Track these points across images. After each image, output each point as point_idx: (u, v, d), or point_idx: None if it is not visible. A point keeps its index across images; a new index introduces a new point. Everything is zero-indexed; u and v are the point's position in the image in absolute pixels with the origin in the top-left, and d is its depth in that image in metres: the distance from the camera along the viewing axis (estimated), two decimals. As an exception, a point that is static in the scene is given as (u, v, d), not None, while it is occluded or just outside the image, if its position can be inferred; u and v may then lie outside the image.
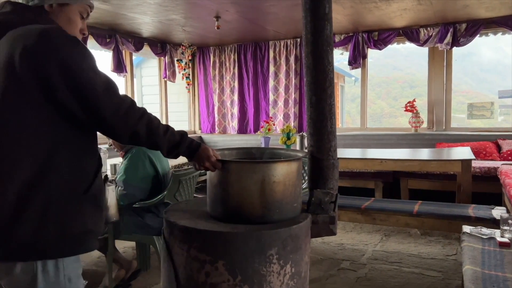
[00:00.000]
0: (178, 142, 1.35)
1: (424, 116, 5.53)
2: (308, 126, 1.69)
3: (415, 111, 5.46)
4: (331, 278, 3.07)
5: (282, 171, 1.47)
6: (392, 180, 4.83)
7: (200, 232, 1.39)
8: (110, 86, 1.22)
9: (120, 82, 5.85)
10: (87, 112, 1.19)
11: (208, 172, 1.53)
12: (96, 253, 3.54)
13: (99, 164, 1.33)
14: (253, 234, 1.37)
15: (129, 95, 5.81)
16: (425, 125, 5.53)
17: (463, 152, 4.04)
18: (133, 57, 6.02)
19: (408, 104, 5.48)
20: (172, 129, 1.36)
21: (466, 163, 3.57)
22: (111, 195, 1.52)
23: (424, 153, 4.34)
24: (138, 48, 5.70)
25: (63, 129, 1.20)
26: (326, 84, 1.63)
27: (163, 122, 5.76)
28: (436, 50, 5.33)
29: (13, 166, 1.16)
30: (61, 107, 1.18)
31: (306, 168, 3.30)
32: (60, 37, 1.19)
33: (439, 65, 5.40)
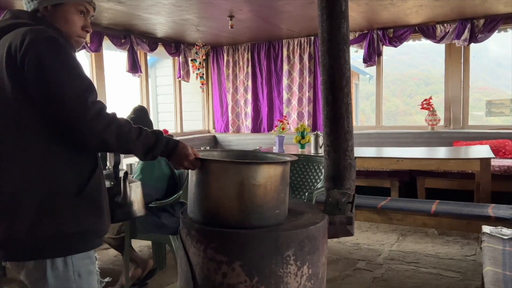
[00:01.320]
0: (154, 144, 1.30)
1: (440, 113, 5.44)
2: (325, 126, 1.67)
3: (431, 109, 5.38)
4: (347, 278, 3.05)
5: (264, 174, 1.39)
6: (408, 179, 4.77)
7: (217, 232, 1.38)
8: (80, 90, 1.18)
9: (135, 83, 5.90)
10: (54, 115, 1.19)
11: (189, 172, 1.49)
12: (113, 252, 3.58)
13: (95, 164, 1.32)
14: (270, 235, 1.36)
15: (144, 95, 5.85)
16: (441, 123, 5.45)
17: (482, 151, 3.96)
18: (148, 57, 6.06)
19: (425, 102, 5.40)
20: (146, 130, 1.30)
21: (485, 161, 3.50)
22: (136, 191, 1.54)
23: (441, 152, 4.27)
24: (152, 48, 5.73)
25: (53, 129, 1.21)
26: (343, 83, 1.61)
27: (178, 121, 5.69)
28: (453, 47, 5.24)
29: (2, 166, 1.20)
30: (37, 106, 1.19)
31: (321, 167, 3.29)
32: (39, 37, 1.19)
33: (456, 62, 5.30)
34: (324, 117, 1.67)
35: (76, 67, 1.22)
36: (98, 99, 1.23)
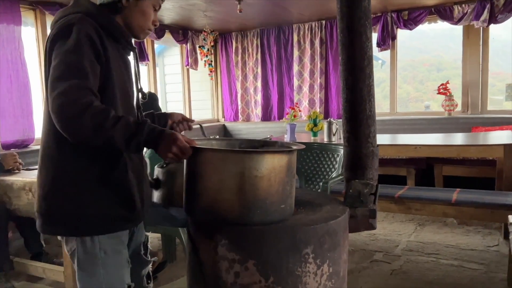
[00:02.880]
0: (135, 132, 1.21)
1: (457, 99, 5.24)
2: (344, 111, 1.53)
3: (448, 94, 5.18)
4: (364, 270, 2.93)
5: (267, 165, 1.22)
6: (425, 167, 4.60)
7: (229, 228, 1.26)
8: (62, 78, 1.19)
9: (142, 71, 5.77)
10: None
11: (184, 163, 1.36)
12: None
13: (120, 154, 1.34)
14: (287, 230, 1.24)
15: (152, 84, 5.73)
16: (459, 108, 5.25)
17: (503, 136, 3.78)
18: (155, 46, 5.93)
19: (441, 87, 5.19)
20: (127, 120, 1.21)
21: (509, 147, 3.32)
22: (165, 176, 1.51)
23: (460, 138, 4.10)
24: (159, 35, 5.59)
25: None
26: (364, 63, 1.46)
27: (186, 110, 5.54)
28: (471, 29, 5.01)
29: (41, 147, 1.37)
30: None
31: (336, 156, 3.15)
32: (62, 24, 1.27)
33: (475, 44, 5.08)
34: (343, 100, 1.52)
35: (75, 54, 1.21)
36: (82, 87, 1.19)
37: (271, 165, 1.23)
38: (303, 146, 1.36)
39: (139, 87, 1.48)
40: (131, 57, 1.48)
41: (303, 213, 1.39)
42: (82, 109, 1.16)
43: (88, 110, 1.16)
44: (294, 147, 1.37)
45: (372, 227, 1.55)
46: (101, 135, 1.18)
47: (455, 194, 3.19)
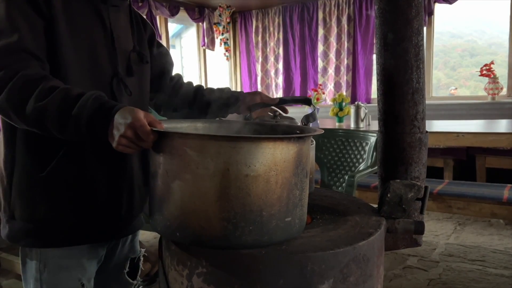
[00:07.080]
0: (72, 106, 0.86)
1: (502, 82, 4.66)
2: (380, 82, 1.10)
3: (492, 76, 4.60)
4: (396, 279, 2.50)
5: (265, 158, 0.81)
6: (465, 158, 4.08)
7: (208, 252, 0.86)
8: None
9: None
10: None
11: (149, 156, 0.93)
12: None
13: (62, 142, 0.98)
14: (293, 257, 0.83)
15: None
16: (504, 92, 4.67)
17: None
18: (174, 26, 5.56)
19: (484, 67, 4.62)
20: (66, 89, 0.89)
21: None
22: None
23: (507, 125, 3.56)
24: (173, 13, 5.21)
25: None
26: (412, 13, 1.02)
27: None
28: (521, 1, 4.40)
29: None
30: None
31: (364, 144, 2.71)
32: None
33: (525, 19, 4.47)
34: (379, 68, 1.09)
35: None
36: (10, 50, 0.91)
37: (271, 158, 0.81)
38: (321, 131, 0.94)
39: (133, 47, 1.14)
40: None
41: (319, 227, 0.98)
42: (5, 81, 0.89)
43: (15, 81, 0.88)
44: (309, 132, 0.96)
45: (416, 244, 1.13)
46: (30, 114, 0.88)
47: (507, 191, 2.70)
